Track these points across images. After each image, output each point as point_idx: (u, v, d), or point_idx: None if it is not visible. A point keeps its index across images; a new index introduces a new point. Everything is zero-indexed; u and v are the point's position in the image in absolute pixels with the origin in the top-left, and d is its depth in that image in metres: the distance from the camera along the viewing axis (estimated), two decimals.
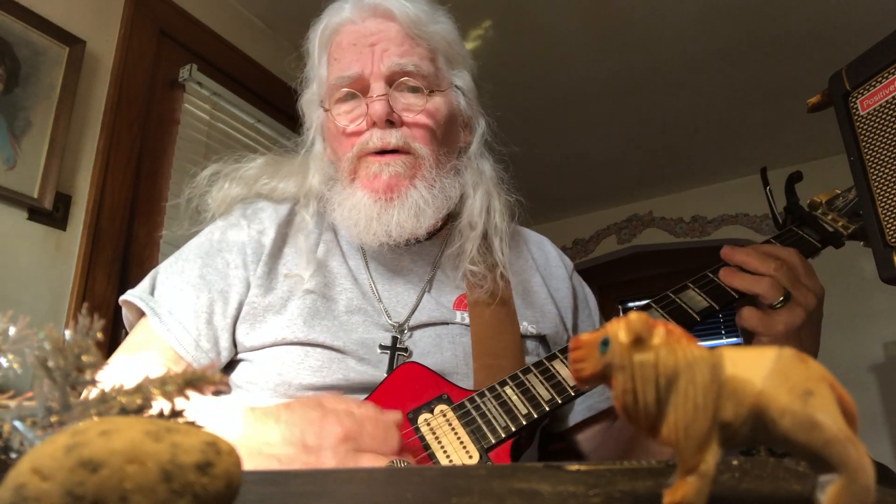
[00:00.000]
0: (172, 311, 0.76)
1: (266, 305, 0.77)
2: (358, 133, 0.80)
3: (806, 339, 0.74)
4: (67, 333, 0.28)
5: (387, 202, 0.78)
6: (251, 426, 0.61)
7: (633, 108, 2.70)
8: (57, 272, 1.44)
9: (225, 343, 0.78)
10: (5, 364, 0.30)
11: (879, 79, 0.69)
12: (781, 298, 0.72)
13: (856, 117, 0.72)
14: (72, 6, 1.55)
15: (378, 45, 0.80)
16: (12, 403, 0.28)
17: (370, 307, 0.80)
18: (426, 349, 0.78)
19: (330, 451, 0.56)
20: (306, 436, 0.58)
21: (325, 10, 0.88)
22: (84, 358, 0.28)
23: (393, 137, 0.78)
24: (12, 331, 0.30)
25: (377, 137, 0.78)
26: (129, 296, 0.79)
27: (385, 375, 0.74)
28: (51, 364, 0.27)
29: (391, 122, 0.79)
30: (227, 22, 2.02)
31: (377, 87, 0.79)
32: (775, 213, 0.87)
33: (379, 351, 0.76)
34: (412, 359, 0.76)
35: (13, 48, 1.40)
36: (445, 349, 0.78)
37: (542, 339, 0.85)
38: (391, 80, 0.80)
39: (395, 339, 0.77)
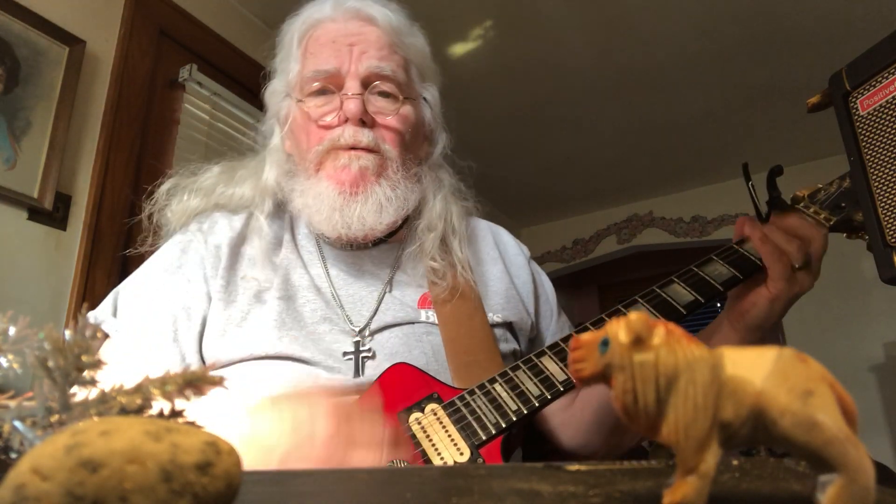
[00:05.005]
0: (136, 330, 0.75)
1: (227, 318, 0.77)
2: (328, 127, 0.81)
3: (784, 311, 0.77)
4: (67, 333, 0.28)
5: (351, 195, 0.78)
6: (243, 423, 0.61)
7: (633, 108, 2.70)
8: (57, 272, 1.44)
9: (192, 359, 0.77)
10: (5, 364, 0.30)
11: (879, 79, 0.69)
12: (804, 262, 0.76)
13: (856, 117, 0.72)
14: (72, 6, 1.55)
15: (357, 46, 0.81)
16: (12, 403, 0.28)
17: (334, 315, 0.80)
18: (394, 349, 0.78)
19: (321, 443, 0.56)
20: (298, 428, 0.57)
21: (303, 6, 0.88)
22: (84, 358, 0.28)
23: (365, 136, 0.79)
24: (12, 331, 0.30)
25: (349, 134, 0.79)
26: (91, 318, 0.78)
27: (353, 380, 0.74)
28: (51, 364, 0.27)
29: (363, 121, 0.80)
30: (227, 22, 2.02)
31: (352, 86, 0.80)
32: (758, 208, 0.87)
33: (344, 357, 0.76)
34: (378, 360, 0.76)
35: (13, 48, 1.40)
36: (413, 348, 0.78)
37: (508, 325, 0.86)
38: (366, 82, 0.81)
39: (357, 343, 0.77)
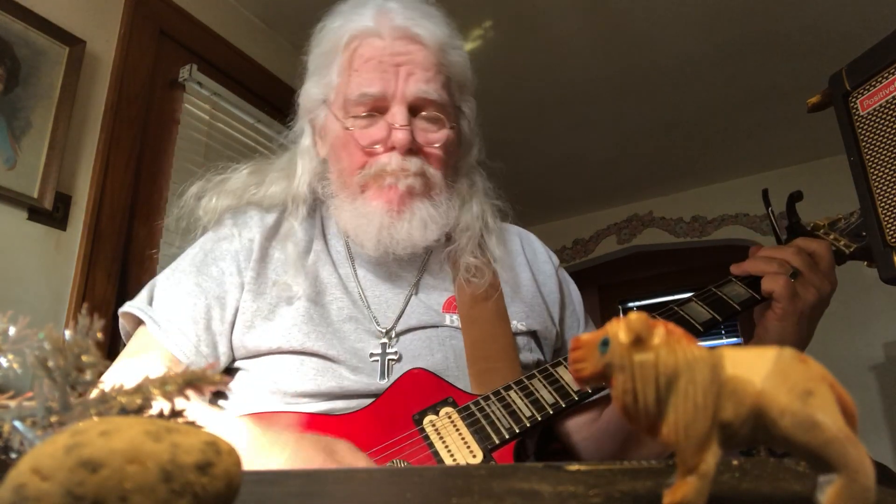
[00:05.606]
0: (171, 318, 0.78)
1: (255, 310, 0.79)
2: (375, 154, 0.81)
3: (803, 329, 0.78)
4: (67, 333, 0.28)
5: (398, 213, 0.80)
6: (257, 447, 0.62)
7: (633, 107, 2.70)
8: (57, 272, 1.44)
9: (223, 348, 0.79)
10: (5, 364, 0.30)
11: (879, 79, 0.69)
12: (792, 271, 0.78)
13: (856, 117, 0.72)
14: (72, 6, 1.55)
15: (404, 67, 0.81)
16: (12, 403, 0.28)
17: (360, 315, 0.81)
18: (417, 352, 0.79)
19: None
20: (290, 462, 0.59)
21: (343, 7, 0.87)
22: (84, 358, 0.28)
23: (412, 165, 0.80)
24: (12, 331, 0.30)
25: (396, 163, 0.80)
26: (129, 307, 0.80)
27: (377, 382, 0.75)
28: (51, 364, 0.27)
29: (410, 149, 0.80)
30: (227, 22, 2.02)
31: (399, 113, 0.80)
32: (778, 234, 0.88)
33: (370, 359, 0.77)
34: (402, 363, 0.77)
35: (13, 48, 1.39)
36: (436, 351, 0.79)
37: (532, 333, 0.87)
38: (413, 107, 0.81)
39: (383, 345, 0.79)
